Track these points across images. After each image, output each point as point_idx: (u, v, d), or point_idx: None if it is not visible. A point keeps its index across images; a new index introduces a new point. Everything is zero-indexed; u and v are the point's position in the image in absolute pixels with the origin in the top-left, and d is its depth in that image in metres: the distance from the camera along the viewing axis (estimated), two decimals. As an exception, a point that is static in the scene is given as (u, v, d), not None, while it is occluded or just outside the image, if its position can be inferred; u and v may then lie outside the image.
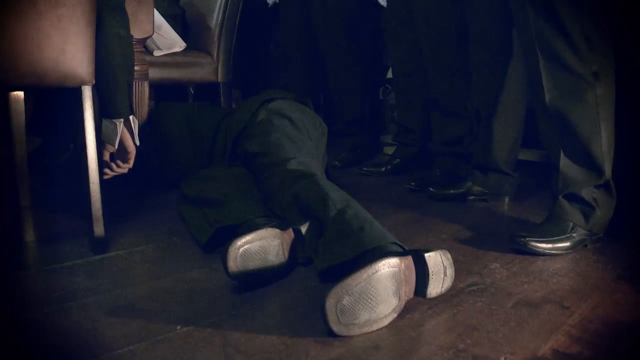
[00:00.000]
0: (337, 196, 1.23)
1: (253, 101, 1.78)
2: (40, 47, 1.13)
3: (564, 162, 1.40)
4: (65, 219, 1.56)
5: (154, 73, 2.13)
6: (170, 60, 2.20)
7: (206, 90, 2.58)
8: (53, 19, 1.13)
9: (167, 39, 2.17)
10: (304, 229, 1.22)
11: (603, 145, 1.36)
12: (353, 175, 2.26)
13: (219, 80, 2.34)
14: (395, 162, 2.27)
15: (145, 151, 1.70)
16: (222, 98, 2.37)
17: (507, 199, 1.85)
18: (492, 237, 1.49)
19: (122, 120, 1.45)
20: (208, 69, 2.31)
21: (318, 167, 1.49)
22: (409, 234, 1.51)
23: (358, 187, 2.06)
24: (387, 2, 2.22)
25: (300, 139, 1.57)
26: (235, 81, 2.72)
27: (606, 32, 1.36)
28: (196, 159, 1.86)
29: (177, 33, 2.30)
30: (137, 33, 1.86)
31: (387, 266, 0.97)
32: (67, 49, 1.17)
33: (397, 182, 2.13)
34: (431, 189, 1.88)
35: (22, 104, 1.55)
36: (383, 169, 2.27)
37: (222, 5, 2.31)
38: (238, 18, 2.37)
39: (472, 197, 1.85)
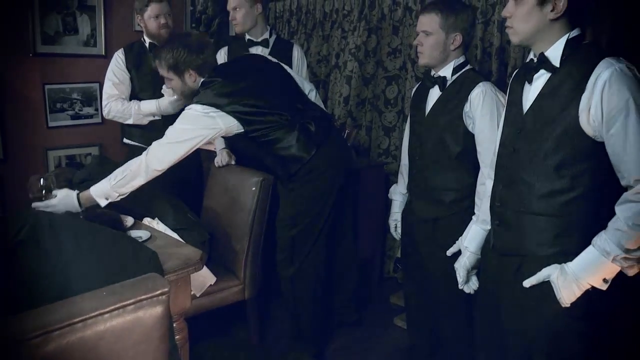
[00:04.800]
0: None
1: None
2: None
3: None
4: None
5: (188, 309, 2.36)
6: (202, 293, 2.43)
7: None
8: None
9: (199, 279, 2.39)
10: None
11: None
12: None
13: (246, 297, 2.57)
14: (404, 373, 2.54)
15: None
16: (249, 312, 2.61)
17: None
18: None
19: None
20: (235, 289, 2.54)
21: None
22: None
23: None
24: (401, 235, 2.44)
25: None
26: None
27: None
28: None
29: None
30: (176, 310, 2.08)
31: None
32: None
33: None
34: None
35: None
36: (396, 380, 2.53)
37: (249, 231, 2.51)
38: (262, 239, 2.58)
39: None
